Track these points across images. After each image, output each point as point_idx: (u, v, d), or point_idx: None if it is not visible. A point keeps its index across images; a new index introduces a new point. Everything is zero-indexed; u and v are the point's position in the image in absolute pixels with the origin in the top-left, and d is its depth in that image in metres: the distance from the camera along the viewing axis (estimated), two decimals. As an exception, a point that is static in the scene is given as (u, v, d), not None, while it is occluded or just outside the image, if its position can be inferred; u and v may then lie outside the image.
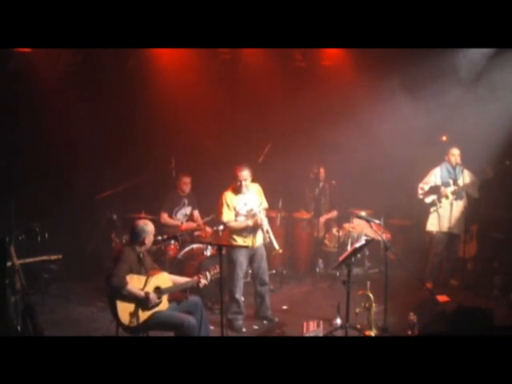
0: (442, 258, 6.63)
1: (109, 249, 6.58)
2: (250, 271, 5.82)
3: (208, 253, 6.00)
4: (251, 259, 5.50)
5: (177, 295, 4.61)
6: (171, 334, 4.37)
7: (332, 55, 7.49)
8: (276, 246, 5.38)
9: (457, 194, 6.45)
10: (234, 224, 5.39)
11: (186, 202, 6.77)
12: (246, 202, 5.41)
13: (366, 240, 4.94)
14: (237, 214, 5.39)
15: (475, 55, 6.57)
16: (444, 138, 7.04)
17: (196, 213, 6.85)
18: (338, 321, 5.13)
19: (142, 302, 4.24)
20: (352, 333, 4.79)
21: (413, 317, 4.85)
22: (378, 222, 5.68)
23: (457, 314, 4.52)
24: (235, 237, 5.42)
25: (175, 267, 5.94)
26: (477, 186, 6.54)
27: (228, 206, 5.37)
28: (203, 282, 4.51)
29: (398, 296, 5.79)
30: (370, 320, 5.06)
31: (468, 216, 6.52)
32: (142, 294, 4.23)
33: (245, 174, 5.35)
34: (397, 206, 7.51)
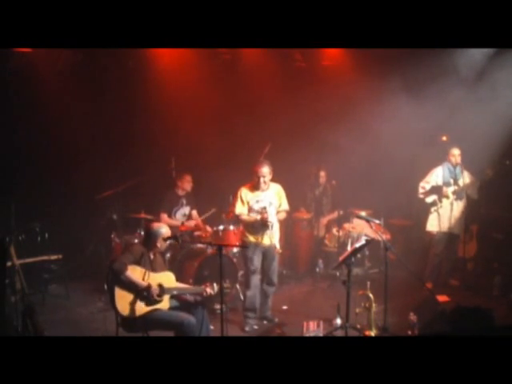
0: (441, 258, 6.63)
1: (109, 249, 6.57)
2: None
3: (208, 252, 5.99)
4: (263, 257, 5.50)
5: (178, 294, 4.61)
6: (171, 333, 4.37)
7: (332, 55, 7.50)
8: (277, 245, 5.40)
9: (457, 194, 6.45)
10: (245, 217, 5.43)
11: (185, 201, 6.75)
12: (261, 200, 5.40)
13: (366, 240, 4.94)
14: (250, 210, 5.42)
15: (476, 55, 6.57)
16: (444, 138, 7.06)
17: (194, 212, 6.83)
18: (338, 321, 5.13)
19: (143, 293, 4.23)
20: (352, 333, 4.79)
21: (413, 317, 4.85)
22: (378, 222, 5.67)
23: (457, 314, 4.51)
24: (247, 234, 5.46)
25: (175, 267, 5.94)
26: (476, 187, 6.54)
27: (242, 200, 5.43)
28: (209, 291, 4.51)
29: (397, 296, 5.78)
30: (369, 320, 5.06)
31: (468, 216, 6.53)
32: (143, 283, 4.24)
33: (264, 170, 5.33)
34: (397, 206, 7.51)
